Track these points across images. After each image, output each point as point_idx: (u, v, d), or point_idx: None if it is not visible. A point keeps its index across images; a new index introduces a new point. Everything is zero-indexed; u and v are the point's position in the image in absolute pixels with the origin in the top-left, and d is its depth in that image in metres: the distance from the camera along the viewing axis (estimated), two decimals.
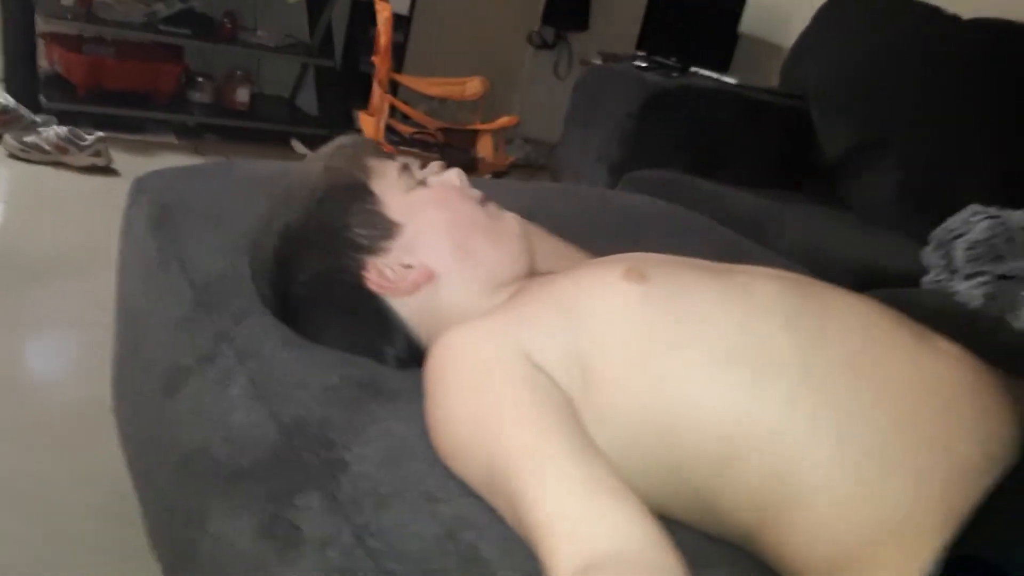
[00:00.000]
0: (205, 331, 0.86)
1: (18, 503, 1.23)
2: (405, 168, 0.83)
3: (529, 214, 1.33)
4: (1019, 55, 2.03)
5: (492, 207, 0.85)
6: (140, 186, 1.16)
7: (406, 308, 0.78)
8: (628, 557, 0.52)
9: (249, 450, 0.73)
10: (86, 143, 2.53)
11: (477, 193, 0.85)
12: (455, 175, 0.85)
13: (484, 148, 2.40)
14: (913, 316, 1.34)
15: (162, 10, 3.07)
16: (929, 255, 1.60)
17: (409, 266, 0.78)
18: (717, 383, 0.63)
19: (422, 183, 0.83)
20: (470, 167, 2.35)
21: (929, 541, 0.57)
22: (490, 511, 0.61)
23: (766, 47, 2.80)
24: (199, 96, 3.21)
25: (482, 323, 0.70)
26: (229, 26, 3.20)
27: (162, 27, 3.04)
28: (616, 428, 0.64)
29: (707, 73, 2.37)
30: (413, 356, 0.77)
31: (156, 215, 1.07)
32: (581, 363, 0.66)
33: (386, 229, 0.78)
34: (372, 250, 0.78)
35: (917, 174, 2.05)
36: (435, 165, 0.85)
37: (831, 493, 0.59)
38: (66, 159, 2.51)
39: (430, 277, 0.78)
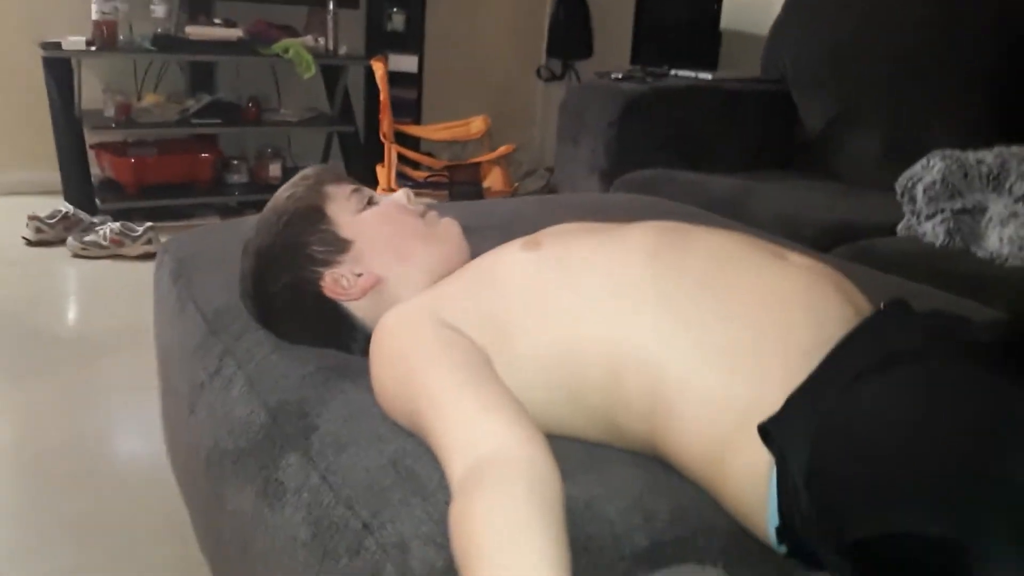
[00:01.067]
0: (213, 351, 1.03)
1: (94, 539, 1.41)
2: (356, 191, 0.98)
3: (507, 222, 1.48)
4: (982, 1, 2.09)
5: (432, 216, 1.00)
6: (164, 249, 1.36)
7: (361, 309, 0.93)
8: (504, 454, 0.64)
9: (246, 434, 0.88)
10: (137, 234, 2.79)
11: (420, 207, 1.01)
12: (402, 194, 1.00)
13: (494, 179, 2.57)
14: (876, 263, 1.42)
15: (193, 105, 3.36)
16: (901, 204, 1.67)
17: (360, 274, 0.93)
18: (597, 316, 0.76)
19: (371, 203, 0.98)
20: (479, 197, 2.51)
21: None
22: (421, 442, 0.75)
23: (749, 40, 2.90)
24: (236, 177, 3.49)
25: (409, 303, 0.85)
26: (254, 109, 3.48)
27: (195, 121, 3.33)
28: (527, 369, 0.77)
29: (685, 73, 2.49)
30: None
31: (176, 269, 1.26)
32: (494, 321, 0.80)
33: (339, 245, 0.94)
34: (328, 263, 0.93)
35: (898, 132, 2.11)
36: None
37: (692, 395, 0.71)
38: (122, 251, 2.78)
39: (378, 281, 0.93)
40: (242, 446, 0.88)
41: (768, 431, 0.65)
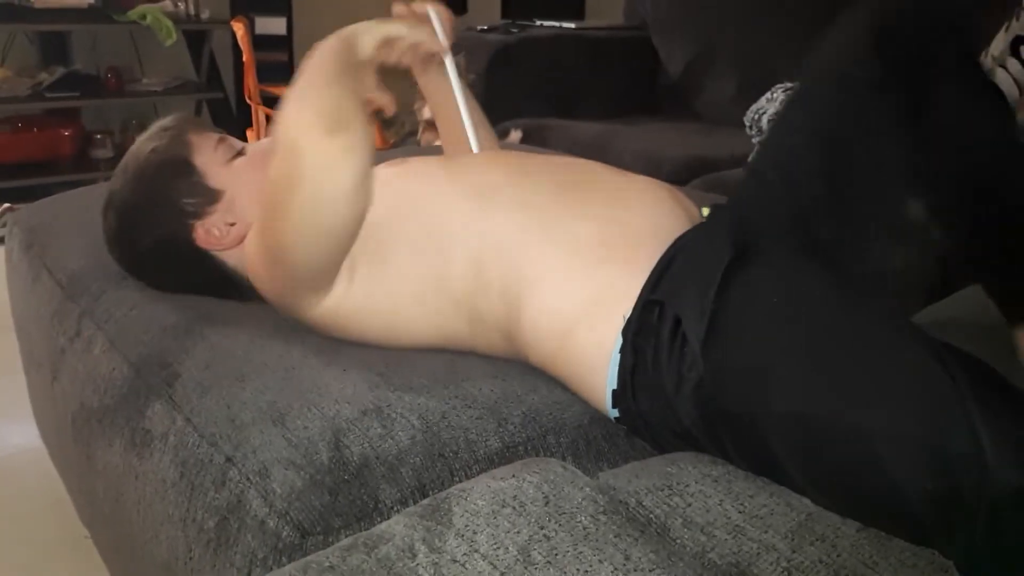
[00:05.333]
0: (71, 315, 1.01)
1: None
2: (222, 140, 0.97)
3: None
4: None
5: None
6: (13, 220, 1.31)
7: (235, 257, 0.93)
8: None
9: (111, 390, 0.88)
10: None
11: None
12: (267, 141, 0.97)
13: None
14: (730, 192, 1.52)
15: (46, 79, 3.17)
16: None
17: (232, 224, 0.93)
18: (459, 214, 0.82)
19: (240, 153, 0.97)
20: None
21: (620, 295, 0.75)
22: (282, 377, 0.78)
23: None
24: (101, 152, 3.32)
25: None
26: (115, 80, 3.31)
27: (49, 95, 3.14)
28: (399, 265, 0.83)
29: (550, 24, 2.53)
30: (253, 293, 0.92)
31: (25, 239, 1.22)
32: (368, 229, 0.83)
33: (209, 196, 0.93)
34: (198, 215, 0.93)
35: (750, 71, 2.22)
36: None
37: (545, 276, 0.79)
38: None
39: (251, 229, 0.91)
40: (107, 403, 0.88)
41: (661, 302, 0.73)
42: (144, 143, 0.97)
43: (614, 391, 0.75)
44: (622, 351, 0.74)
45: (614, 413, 0.76)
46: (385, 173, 0.89)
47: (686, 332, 0.71)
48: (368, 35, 0.87)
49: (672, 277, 0.75)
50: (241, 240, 0.93)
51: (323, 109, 0.80)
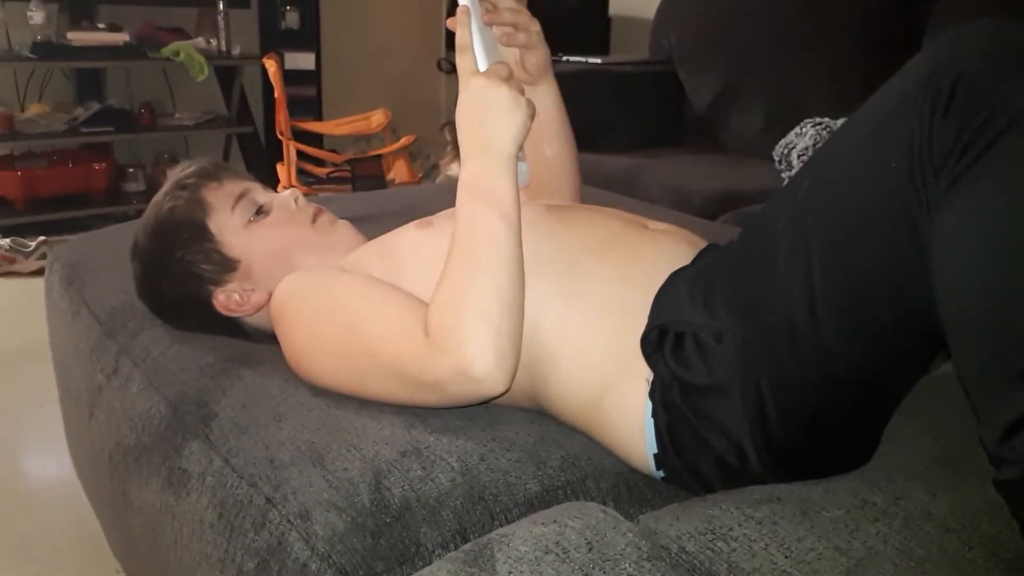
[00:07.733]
0: (109, 352, 1.02)
1: (5, 557, 1.38)
2: (241, 198, 0.94)
3: (406, 207, 1.51)
4: None
5: (325, 220, 0.98)
6: (54, 256, 1.33)
7: (256, 318, 0.94)
8: None
9: (148, 429, 0.89)
10: (30, 249, 2.69)
11: (311, 209, 0.98)
12: (288, 196, 0.98)
13: (398, 171, 2.58)
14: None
15: (81, 114, 3.25)
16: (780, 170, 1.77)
17: (252, 290, 0.93)
18: None
19: (260, 211, 0.95)
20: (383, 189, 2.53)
21: (643, 362, 0.74)
22: (319, 417, 0.78)
23: (637, 23, 2.99)
24: (133, 186, 3.39)
25: (307, 270, 0.89)
26: (148, 115, 3.38)
27: (84, 129, 3.21)
28: None
29: (576, 59, 2.55)
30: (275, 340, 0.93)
31: (66, 275, 1.24)
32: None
33: (225, 265, 0.93)
34: (216, 282, 0.93)
35: (777, 104, 2.23)
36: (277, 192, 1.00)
37: (568, 347, 0.77)
38: (15, 267, 2.68)
39: (270, 297, 0.91)
40: (144, 441, 0.89)
41: (664, 329, 0.73)
42: (164, 198, 0.96)
43: (655, 455, 0.74)
44: (654, 414, 0.73)
45: (660, 474, 0.75)
46: (413, 235, 0.90)
47: (698, 326, 0.71)
48: (507, 136, 0.78)
49: (661, 311, 0.75)
50: (261, 307, 0.93)
51: (502, 329, 0.72)
